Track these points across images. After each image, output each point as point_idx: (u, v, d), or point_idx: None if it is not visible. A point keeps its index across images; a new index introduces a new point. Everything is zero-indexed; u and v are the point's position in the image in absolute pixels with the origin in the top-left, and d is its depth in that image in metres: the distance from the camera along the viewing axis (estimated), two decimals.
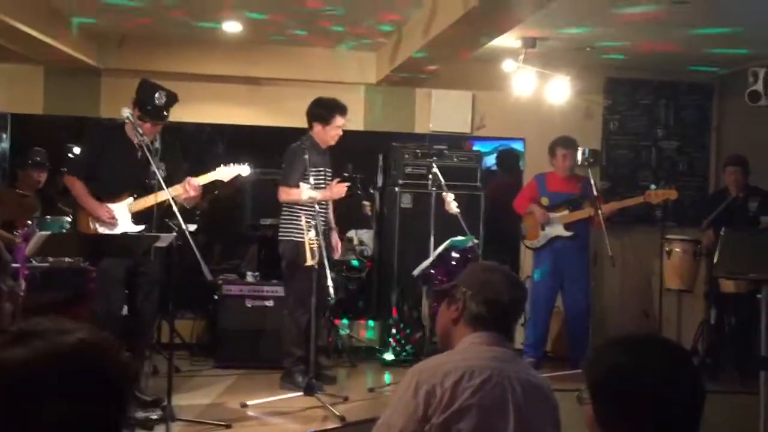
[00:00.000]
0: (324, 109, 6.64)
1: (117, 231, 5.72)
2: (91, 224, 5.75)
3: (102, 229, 5.72)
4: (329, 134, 6.62)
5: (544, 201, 7.70)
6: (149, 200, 5.69)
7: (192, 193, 5.83)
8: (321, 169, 6.64)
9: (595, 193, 7.27)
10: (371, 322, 8.21)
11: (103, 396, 1.31)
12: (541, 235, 7.65)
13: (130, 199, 5.81)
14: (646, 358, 1.77)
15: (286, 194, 6.50)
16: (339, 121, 6.61)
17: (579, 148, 7.90)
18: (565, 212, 7.58)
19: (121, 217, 5.80)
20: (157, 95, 5.85)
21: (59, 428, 1.27)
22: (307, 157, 6.41)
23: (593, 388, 1.79)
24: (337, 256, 6.89)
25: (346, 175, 6.67)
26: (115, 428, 1.33)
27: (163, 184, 5.47)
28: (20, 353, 1.29)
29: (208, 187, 6.22)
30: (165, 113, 5.91)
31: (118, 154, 5.86)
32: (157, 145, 5.86)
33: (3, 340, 1.32)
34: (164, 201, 5.56)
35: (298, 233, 6.23)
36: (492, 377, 2.57)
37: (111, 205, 5.80)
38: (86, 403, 1.29)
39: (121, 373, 1.35)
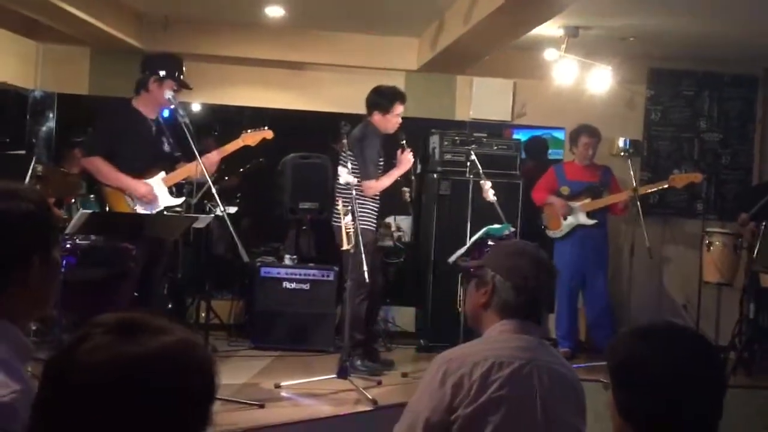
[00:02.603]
0: (384, 98, 6.68)
1: (157, 208, 5.72)
2: (129, 202, 5.66)
3: (141, 208, 5.68)
4: (390, 122, 6.66)
5: (564, 190, 7.69)
6: (182, 173, 5.73)
7: (213, 167, 5.83)
8: (383, 158, 6.71)
9: (633, 181, 7.22)
10: (407, 308, 8.25)
11: (199, 392, 1.36)
12: (563, 224, 7.65)
13: (162, 173, 5.78)
14: (663, 346, 1.78)
15: (370, 189, 6.52)
16: (399, 109, 6.66)
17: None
18: (587, 200, 7.57)
19: (160, 193, 5.79)
20: (182, 64, 5.89)
21: (160, 423, 1.31)
22: (377, 147, 6.55)
23: (612, 374, 1.81)
24: None
25: (403, 142, 6.69)
26: (203, 422, 1.37)
27: (199, 158, 5.50)
28: (133, 350, 1.32)
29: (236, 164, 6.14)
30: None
31: (135, 130, 5.77)
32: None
33: (105, 329, 1.34)
34: (195, 174, 5.58)
35: (360, 220, 6.26)
36: (520, 368, 2.55)
37: (145, 181, 5.73)
38: (186, 399, 1.33)
39: (213, 370, 1.39)
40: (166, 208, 5.77)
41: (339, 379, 6.01)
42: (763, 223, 6.95)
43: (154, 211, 5.67)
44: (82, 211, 5.24)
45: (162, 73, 5.77)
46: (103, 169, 5.67)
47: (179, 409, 1.32)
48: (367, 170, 6.50)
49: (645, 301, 8.43)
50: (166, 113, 6.21)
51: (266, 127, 6.12)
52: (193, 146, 5.48)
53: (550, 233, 7.79)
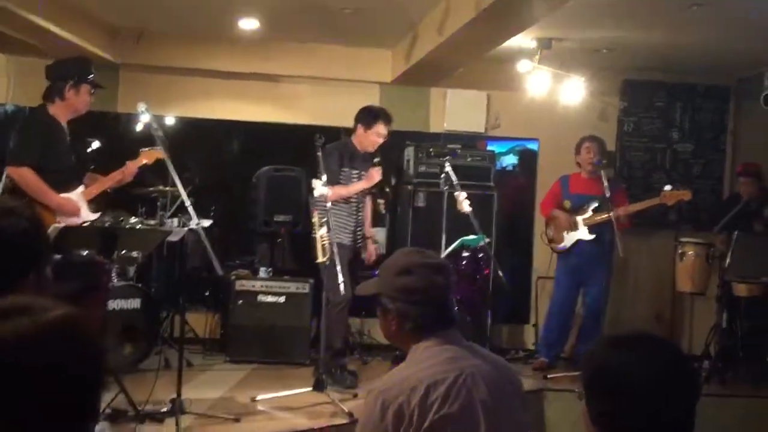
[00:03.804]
0: (369, 113, 6.76)
1: (79, 222, 5.51)
2: (57, 219, 5.39)
3: (65, 222, 5.39)
4: (369, 138, 6.70)
5: (566, 204, 7.70)
6: (100, 186, 5.62)
7: (130, 178, 5.75)
8: (356, 171, 6.70)
9: (607, 194, 7.24)
10: None
11: (84, 368, 1.35)
12: (565, 238, 7.65)
13: (81, 187, 5.64)
14: (636, 355, 1.79)
15: (332, 195, 6.48)
16: (380, 128, 6.69)
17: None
18: (587, 214, 7.56)
19: (82, 207, 5.63)
20: (92, 65, 5.69)
21: (42, 398, 1.31)
22: (340, 157, 6.56)
23: (586, 383, 1.81)
24: (369, 262, 7.00)
25: (376, 160, 6.72)
26: (92, 402, 1.37)
27: (177, 178, 5.46)
28: (7, 328, 1.33)
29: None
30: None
31: (57, 140, 5.54)
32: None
33: None
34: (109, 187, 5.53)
35: (335, 232, 6.25)
36: (455, 380, 2.51)
37: (67, 195, 5.53)
38: (68, 376, 1.33)
39: (100, 347, 1.39)
40: (84, 223, 5.60)
41: (315, 392, 5.99)
42: (735, 233, 7.01)
43: (63, 226, 5.46)
44: (54, 225, 5.19)
45: (76, 77, 5.55)
46: (31, 181, 5.37)
47: (55, 393, 1.32)
48: (327, 177, 6.43)
49: (619, 311, 8.47)
50: (140, 127, 6.16)
51: (158, 148, 5.98)
52: (167, 161, 5.42)
53: (554, 247, 7.80)
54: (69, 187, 5.58)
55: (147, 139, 5.90)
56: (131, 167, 5.74)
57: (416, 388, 2.48)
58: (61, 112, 5.59)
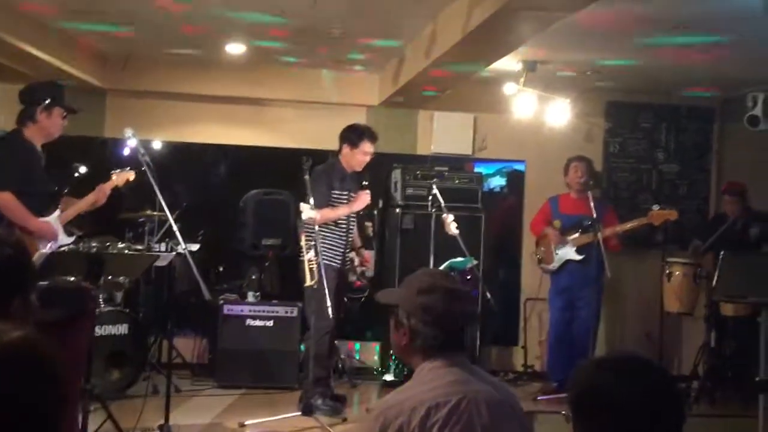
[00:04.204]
0: (354, 132, 6.73)
1: (55, 247, 5.50)
2: (35, 244, 5.34)
3: (42, 247, 5.39)
4: (355, 158, 6.68)
5: (556, 224, 7.73)
6: (76, 209, 5.63)
7: (103, 200, 5.76)
8: (345, 192, 6.69)
9: (594, 215, 7.27)
10: (371, 343, 8.23)
11: (42, 391, 1.36)
12: (555, 258, 7.68)
13: (57, 211, 5.62)
14: (622, 377, 1.80)
15: (320, 218, 6.43)
16: (366, 146, 6.68)
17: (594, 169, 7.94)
18: (576, 235, 7.59)
19: (59, 231, 5.61)
20: (64, 88, 5.69)
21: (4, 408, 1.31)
22: (329, 179, 6.54)
23: (572, 406, 1.82)
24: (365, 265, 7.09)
25: (365, 183, 6.71)
26: (53, 427, 1.37)
27: (164, 203, 5.45)
28: None
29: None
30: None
31: (32, 163, 5.52)
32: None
33: None
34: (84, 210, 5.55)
35: (323, 255, 6.25)
36: (458, 404, 2.51)
37: (45, 220, 5.52)
38: (27, 392, 1.33)
39: (59, 370, 1.39)
40: (61, 247, 5.58)
41: (304, 417, 5.97)
42: (722, 253, 7.03)
43: (49, 250, 5.42)
44: (40, 251, 5.17)
45: (48, 100, 5.53)
46: (12, 205, 5.33)
47: (12, 418, 1.32)
48: (316, 199, 6.39)
49: (608, 331, 8.49)
50: (127, 151, 6.15)
51: (129, 168, 5.97)
52: (155, 185, 5.42)
53: (544, 267, 7.82)
54: (46, 211, 5.56)
55: (134, 163, 5.90)
56: (104, 189, 5.75)
57: (417, 409, 2.49)
58: (34, 135, 5.57)
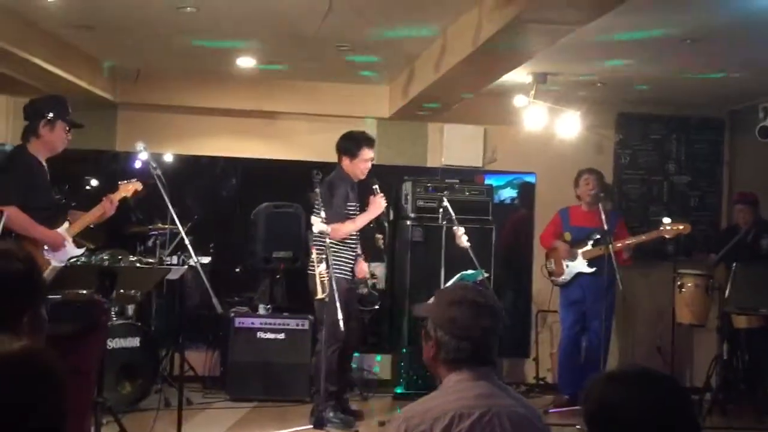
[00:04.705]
0: (351, 142, 6.68)
1: (66, 258, 5.51)
2: (45, 255, 5.38)
3: (53, 258, 5.43)
4: (358, 167, 6.65)
5: (567, 236, 7.73)
6: (85, 221, 5.63)
7: (111, 212, 5.74)
8: (354, 204, 6.69)
9: (605, 227, 7.26)
10: (381, 356, 8.23)
11: (45, 397, 1.37)
12: (566, 271, 7.66)
13: (66, 223, 5.63)
14: (635, 391, 1.80)
15: (336, 232, 6.39)
16: (366, 153, 6.64)
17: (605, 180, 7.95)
18: (587, 248, 7.58)
19: (68, 243, 5.61)
20: (67, 103, 5.66)
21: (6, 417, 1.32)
22: (344, 191, 6.52)
23: (586, 420, 1.82)
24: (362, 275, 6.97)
25: (375, 187, 6.68)
26: (53, 428, 1.38)
27: (175, 216, 5.47)
28: None
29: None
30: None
31: (40, 177, 5.55)
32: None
33: None
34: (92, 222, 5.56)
35: (334, 268, 6.24)
36: (481, 417, 2.51)
37: (59, 231, 5.54)
38: (29, 402, 1.34)
39: (62, 378, 1.40)
40: (70, 258, 5.58)
41: (315, 430, 5.96)
42: (734, 264, 7.02)
43: (62, 264, 5.49)
44: (53, 265, 5.19)
45: (50, 114, 5.54)
46: (20, 219, 5.33)
47: (21, 407, 1.35)
48: (332, 214, 6.42)
49: (620, 343, 8.47)
50: (138, 165, 6.17)
51: (135, 180, 5.96)
52: (166, 198, 5.44)
53: (555, 280, 7.80)
54: (53, 224, 5.57)
55: (145, 177, 5.92)
56: (113, 200, 5.76)
57: (439, 419, 2.49)
58: (38, 150, 5.57)
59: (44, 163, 5.60)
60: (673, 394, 1.83)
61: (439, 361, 2.69)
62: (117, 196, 5.82)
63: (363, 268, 6.92)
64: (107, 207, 5.70)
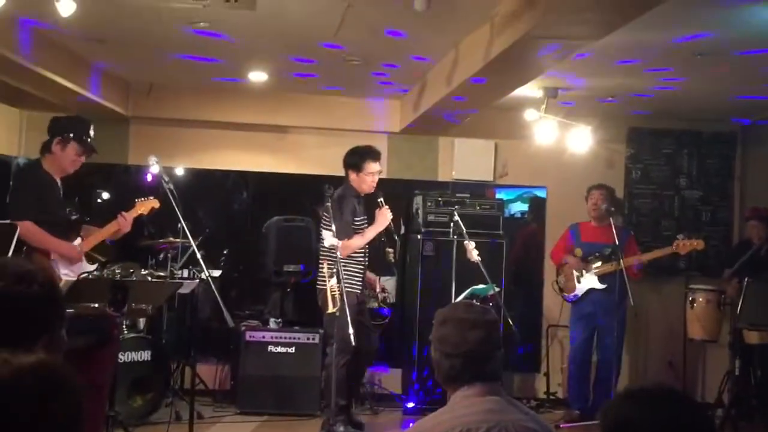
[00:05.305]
0: (355, 157, 6.69)
1: (78, 271, 5.56)
2: (60, 269, 5.45)
3: (67, 272, 5.51)
4: (364, 181, 6.65)
5: (578, 252, 7.72)
6: (99, 237, 5.68)
7: (127, 228, 5.79)
8: (362, 217, 6.69)
9: (617, 242, 7.25)
10: (392, 370, 8.22)
11: (62, 407, 1.37)
12: (577, 287, 7.66)
13: (79, 239, 5.68)
14: (652, 409, 1.80)
15: (346, 249, 6.40)
16: (372, 167, 6.65)
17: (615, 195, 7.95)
18: (598, 264, 7.57)
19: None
20: (90, 127, 5.71)
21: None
22: (352, 206, 6.54)
23: None
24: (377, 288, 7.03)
25: (380, 200, 6.68)
26: None
27: (186, 229, 5.49)
28: None
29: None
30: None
31: (51, 193, 5.63)
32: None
33: None
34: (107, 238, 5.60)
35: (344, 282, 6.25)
36: None
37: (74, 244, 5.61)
38: (46, 413, 1.35)
39: (78, 391, 1.41)
40: (82, 274, 5.63)
41: None
42: (746, 280, 6.99)
43: (75, 277, 5.49)
44: (66, 279, 5.21)
45: (65, 134, 5.61)
46: (37, 233, 5.40)
47: (38, 420, 1.34)
48: (340, 229, 6.41)
49: (631, 359, 8.44)
50: (150, 178, 6.20)
51: (152, 197, 6.02)
52: (178, 212, 5.46)
53: (566, 297, 7.80)
54: (66, 239, 5.61)
55: (157, 190, 5.95)
56: (128, 218, 5.79)
57: None
58: (51, 166, 5.64)
59: (57, 180, 5.64)
60: (691, 414, 1.82)
61: (440, 379, 2.73)
62: (132, 214, 5.85)
63: (370, 277, 6.96)
64: (122, 224, 5.73)
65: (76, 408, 1.43)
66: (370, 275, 6.95)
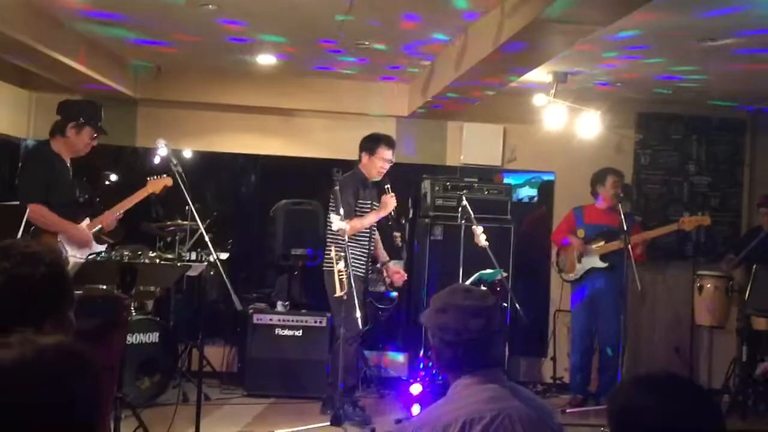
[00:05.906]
0: (372, 140, 6.79)
1: (87, 253, 5.61)
2: (67, 249, 5.52)
3: (75, 253, 5.57)
4: (374, 165, 6.71)
5: (580, 233, 7.72)
6: (105, 218, 5.75)
7: (112, 225, 5.87)
8: (368, 202, 6.71)
9: (625, 227, 7.24)
10: (400, 353, 8.24)
11: (84, 388, 1.37)
12: (577, 267, 7.67)
13: (87, 219, 5.73)
14: (661, 396, 1.80)
15: (351, 229, 6.44)
16: (384, 152, 6.71)
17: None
18: (601, 243, 7.57)
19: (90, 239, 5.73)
20: (101, 111, 5.81)
21: (43, 421, 1.33)
22: (355, 188, 6.57)
23: (611, 423, 1.83)
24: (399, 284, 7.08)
25: (387, 187, 6.72)
26: (89, 420, 1.39)
27: (195, 212, 5.49)
28: (9, 354, 1.37)
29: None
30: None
31: (61, 174, 5.68)
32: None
33: None
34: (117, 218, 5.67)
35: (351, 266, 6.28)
36: (492, 421, 2.47)
37: (82, 226, 5.66)
38: (69, 391, 1.35)
39: (97, 368, 1.41)
40: (90, 255, 5.68)
41: (333, 427, 5.98)
42: (755, 266, 6.98)
43: (84, 258, 5.56)
44: (74, 260, 5.23)
45: (81, 119, 5.69)
46: (47, 215, 5.48)
47: (55, 415, 1.34)
48: (342, 211, 6.42)
49: (637, 344, 8.44)
50: (158, 160, 6.21)
51: (165, 175, 6.04)
52: (186, 195, 5.46)
53: (565, 276, 7.81)
54: (74, 221, 5.64)
55: (165, 172, 5.96)
56: (139, 196, 5.82)
57: (451, 426, 2.46)
58: (62, 148, 5.70)
59: (67, 160, 5.65)
60: (699, 400, 1.83)
61: (441, 367, 2.68)
62: (144, 192, 5.88)
63: (394, 268, 7.02)
64: (105, 220, 5.75)
65: (96, 389, 1.43)
66: (390, 264, 7.00)
